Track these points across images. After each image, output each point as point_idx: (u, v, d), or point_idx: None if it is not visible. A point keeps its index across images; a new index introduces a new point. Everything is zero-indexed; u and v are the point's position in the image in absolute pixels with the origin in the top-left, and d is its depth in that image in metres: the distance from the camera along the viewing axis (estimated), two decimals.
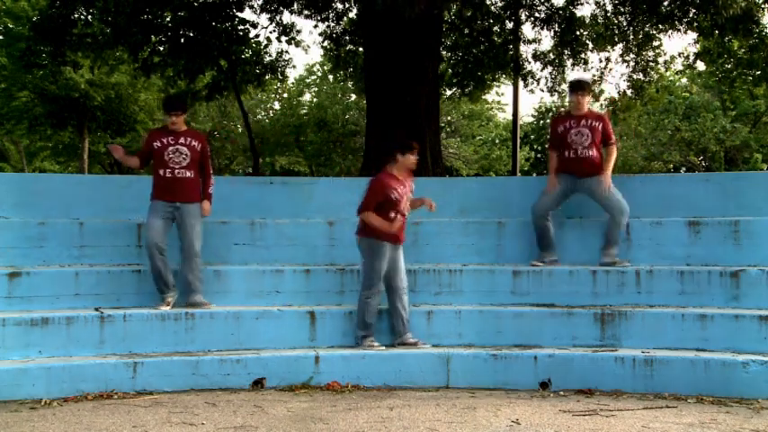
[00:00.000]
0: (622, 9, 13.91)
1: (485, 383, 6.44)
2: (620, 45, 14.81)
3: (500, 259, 7.79)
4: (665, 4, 12.81)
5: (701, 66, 18.11)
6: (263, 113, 31.46)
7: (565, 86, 15.14)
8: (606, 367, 6.35)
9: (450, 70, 16.20)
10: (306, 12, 14.33)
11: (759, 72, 16.23)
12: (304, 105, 31.29)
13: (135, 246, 7.41)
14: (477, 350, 6.66)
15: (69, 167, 31.95)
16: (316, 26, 33.61)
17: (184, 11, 13.32)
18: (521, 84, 16.57)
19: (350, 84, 23.78)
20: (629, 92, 15.76)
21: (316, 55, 56.01)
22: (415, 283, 7.21)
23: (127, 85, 23.57)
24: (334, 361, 6.50)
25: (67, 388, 5.92)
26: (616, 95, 16.49)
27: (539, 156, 37.02)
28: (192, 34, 13.71)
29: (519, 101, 18.23)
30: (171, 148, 6.98)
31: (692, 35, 13.96)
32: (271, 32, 15.37)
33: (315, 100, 31.02)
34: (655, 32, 13.98)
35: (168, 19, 13.57)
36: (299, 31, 20.08)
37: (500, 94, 36.55)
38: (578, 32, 14.43)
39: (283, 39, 15.33)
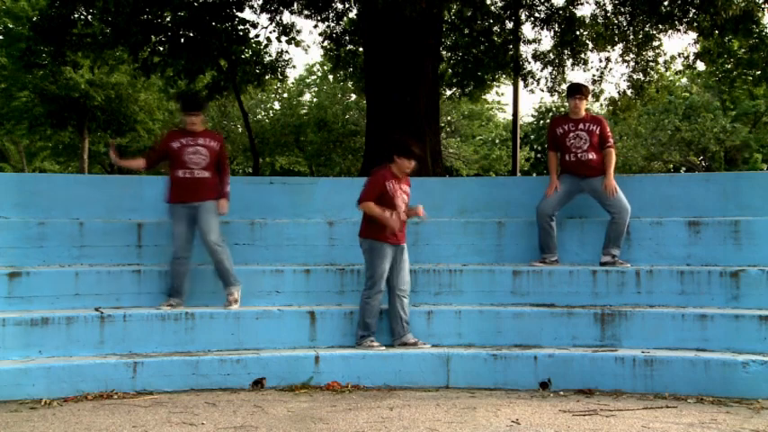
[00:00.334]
0: (622, 9, 13.90)
1: (485, 383, 6.44)
2: (620, 45, 14.81)
3: (500, 259, 7.80)
4: (665, 4, 12.80)
5: (701, 66, 18.11)
6: (263, 113, 31.46)
7: (565, 86, 15.13)
8: (606, 367, 6.34)
9: (450, 70, 16.21)
10: (306, 12, 14.33)
11: (759, 72, 16.23)
12: (304, 105, 31.30)
13: (135, 246, 7.41)
14: (476, 350, 6.66)
15: (69, 167, 31.97)
16: (316, 26, 33.78)
17: (184, 11, 13.30)
18: (521, 84, 16.57)
19: (350, 84, 23.78)
20: (629, 92, 15.76)
21: (316, 55, 56.16)
22: (415, 283, 7.20)
23: (127, 85, 23.59)
24: (334, 361, 6.50)
25: (67, 388, 5.92)
26: (616, 95, 16.49)
27: (539, 156, 37.04)
28: (192, 34, 13.70)
29: (519, 101, 18.21)
30: (190, 149, 6.96)
31: (692, 35, 13.97)
32: (271, 32, 15.40)
33: (315, 100, 31.03)
34: (655, 32, 13.98)
35: (168, 19, 13.56)
36: (299, 31, 20.15)
37: (500, 94, 36.49)
38: (578, 32, 14.44)
39: (283, 39, 15.35)
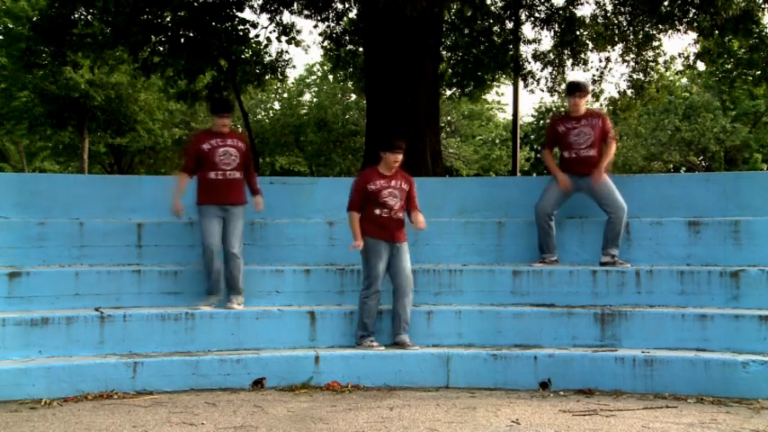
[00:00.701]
0: (622, 9, 13.91)
1: (485, 383, 6.44)
2: (620, 45, 14.81)
3: (500, 259, 7.80)
4: (665, 4, 12.81)
5: (701, 66, 18.10)
6: (263, 113, 31.45)
7: (565, 86, 15.13)
8: (606, 367, 6.35)
9: (450, 70, 16.20)
10: (306, 12, 14.33)
11: (759, 72, 16.22)
12: (304, 105, 31.29)
13: (135, 246, 7.42)
14: (476, 350, 6.66)
15: (69, 167, 31.97)
16: (316, 26, 33.79)
17: (184, 11, 13.30)
18: (521, 84, 16.57)
19: (350, 84, 23.77)
20: (629, 92, 15.76)
21: (316, 55, 56.14)
22: (415, 283, 7.17)
23: (127, 85, 23.58)
24: (334, 361, 6.50)
25: (67, 388, 5.93)
26: (616, 95, 16.50)
27: (539, 156, 37.01)
28: (192, 34, 13.69)
29: (519, 101, 18.20)
30: (221, 150, 6.98)
31: (692, 35, 13.98)
32: (271, 32, 15.38)
33: (315, 100, 31.02)
34: (655, 32, 13.98)
35: (168, 19, 13.56)
36: (299, 31, 20.13)
37: (500, 94, 36.49)
38: (578, 32, 14.44)
39: (283, 39, 15.34)
